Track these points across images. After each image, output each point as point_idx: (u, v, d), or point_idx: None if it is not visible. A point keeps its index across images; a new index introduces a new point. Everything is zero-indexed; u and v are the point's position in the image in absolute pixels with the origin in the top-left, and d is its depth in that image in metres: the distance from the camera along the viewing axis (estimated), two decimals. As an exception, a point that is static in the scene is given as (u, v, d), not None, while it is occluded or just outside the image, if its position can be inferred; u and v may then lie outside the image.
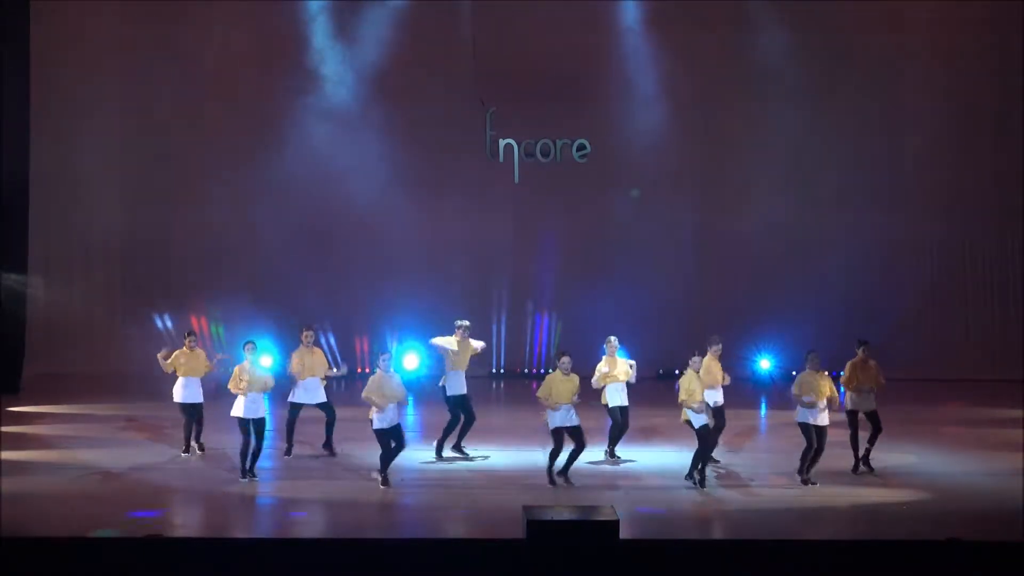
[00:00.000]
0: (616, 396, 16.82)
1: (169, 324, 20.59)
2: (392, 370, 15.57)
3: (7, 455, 16.38)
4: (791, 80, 24.96)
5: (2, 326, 22.48)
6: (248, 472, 15.58)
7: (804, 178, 25.14)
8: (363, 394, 15.33)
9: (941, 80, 25.12)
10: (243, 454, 15.58)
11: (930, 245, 25.42)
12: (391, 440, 15.28)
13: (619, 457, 16.94)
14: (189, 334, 17.54)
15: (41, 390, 22.00)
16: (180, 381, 17.07)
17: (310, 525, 14.04)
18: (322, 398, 17.19)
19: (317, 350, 17.40)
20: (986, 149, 25.09)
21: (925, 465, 16.80)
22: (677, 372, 25.33)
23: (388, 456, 15.31)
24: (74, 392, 22.08)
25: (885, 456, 16.51)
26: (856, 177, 25.12)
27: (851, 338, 16.62)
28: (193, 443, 17.13)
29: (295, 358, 17.18)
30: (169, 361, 17.10)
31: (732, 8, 24.96)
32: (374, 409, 15.27)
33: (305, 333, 17.31)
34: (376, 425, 15.29)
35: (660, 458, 16.94)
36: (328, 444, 17.24)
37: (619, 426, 16.87)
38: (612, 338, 17.07)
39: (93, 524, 13.27)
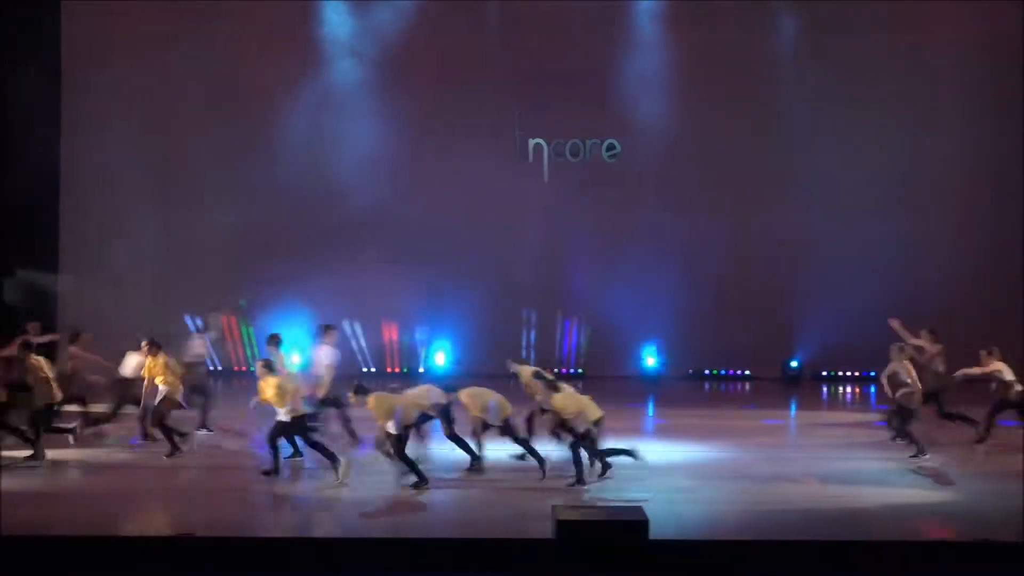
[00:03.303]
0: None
1: (200, 324, 20.60)
2: None
3: (7, 455, 16.35)
4: (814, 80, 24.90)
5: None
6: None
7: (836, 179, 25.02)
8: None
9: (952, 80, 24.99)
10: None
11: (930, 245, 25.23)
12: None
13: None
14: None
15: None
16: None
17: (334, 524, 13.98)
18: None
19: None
20: (989, 148, 24.92)
21: (925, 465, 16.61)
22: (707, 372, 25.56)
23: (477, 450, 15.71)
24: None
25: (885, 456, 16.38)
26: (881, 178, 25.05)
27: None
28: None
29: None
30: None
31: (759, 9, 24.92)
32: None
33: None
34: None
35: (690, 457, 16.85)
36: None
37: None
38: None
39: (93, 524, 13.21)
